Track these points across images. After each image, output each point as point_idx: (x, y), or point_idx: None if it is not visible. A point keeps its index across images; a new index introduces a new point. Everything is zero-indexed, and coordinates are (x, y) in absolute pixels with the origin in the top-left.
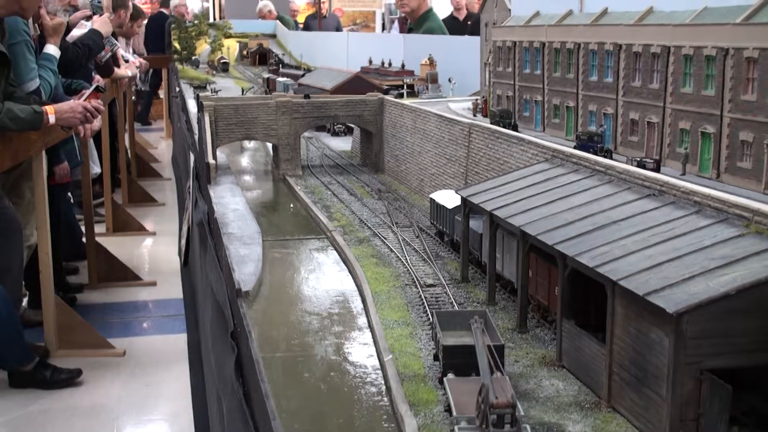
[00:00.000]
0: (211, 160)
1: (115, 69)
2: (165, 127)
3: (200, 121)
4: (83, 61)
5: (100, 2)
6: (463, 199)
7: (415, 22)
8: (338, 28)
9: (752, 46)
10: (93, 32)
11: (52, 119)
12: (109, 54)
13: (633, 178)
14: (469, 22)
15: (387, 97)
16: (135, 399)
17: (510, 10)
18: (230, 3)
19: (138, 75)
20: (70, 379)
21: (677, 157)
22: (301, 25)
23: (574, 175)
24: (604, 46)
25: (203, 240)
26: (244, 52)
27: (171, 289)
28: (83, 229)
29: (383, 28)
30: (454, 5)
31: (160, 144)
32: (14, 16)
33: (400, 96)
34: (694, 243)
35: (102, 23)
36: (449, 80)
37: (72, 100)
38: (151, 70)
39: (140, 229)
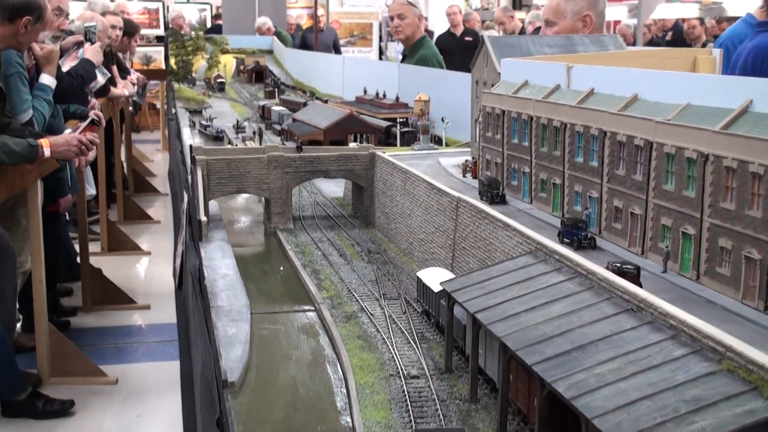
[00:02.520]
0: (202, 217)
1: (111, 89)
2: (162, 139)
3: (192, 174)
4: (76, 91)
5: (94, 30)
6: (447, 293)
7: (410, 48)
8: (336, 42)
9: (731, 156)
10: (85, 62)
11: (47, 152)
12: (100, 84)
13: (613, 289)
14: (466, 38)
15: (378, 152)
16: (126, 430)
17: (499, 73)
18: (228, 18)
19: (136, 89)
20: (62, 410)
21: (659, 251)
22: (298, 37)
23: (556, 275)
24: (590, 130)
25: (195, 296)
26: (241, 68)
27: (165, 313)
28: (77, 248)
29: (380, 40)
30: (450, 22)
31: (156, 156)
32: (10, 49)
33: (393, 137)
34: (668, 378)
35: (94, 52)
36: (442, 120)
37: (67, 133)
38: (146, 84)
39: (135, 249)
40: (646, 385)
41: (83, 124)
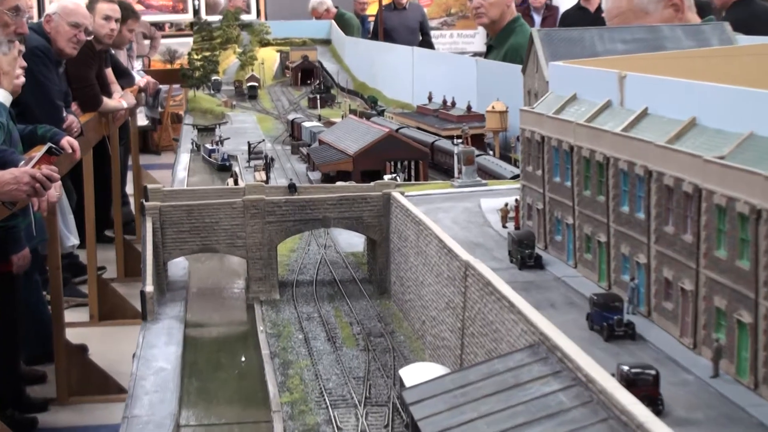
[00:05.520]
0: (148, 288)
1: (104, 100)
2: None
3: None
4: None
5: None
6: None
7: (496, 37)
8: (423, 24)
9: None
10: None
11: None
12: None
13: (612, 404)
14: (603, 15)
15: (394, 192)
16: None
17: (548, 82)
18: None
19: (144, 99)
20: None
21: (713, 345)
22: (371, 20)
23: (551, 383)
24: (635, 168)
25: None
26: (288, 64)
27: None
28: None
29: None
30: None
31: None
32: None
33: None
34: None
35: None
36: (517, 139)
37: (19, 167)
38: (159, 90)
39: (136, 316)
40: None
41: (37, 154)
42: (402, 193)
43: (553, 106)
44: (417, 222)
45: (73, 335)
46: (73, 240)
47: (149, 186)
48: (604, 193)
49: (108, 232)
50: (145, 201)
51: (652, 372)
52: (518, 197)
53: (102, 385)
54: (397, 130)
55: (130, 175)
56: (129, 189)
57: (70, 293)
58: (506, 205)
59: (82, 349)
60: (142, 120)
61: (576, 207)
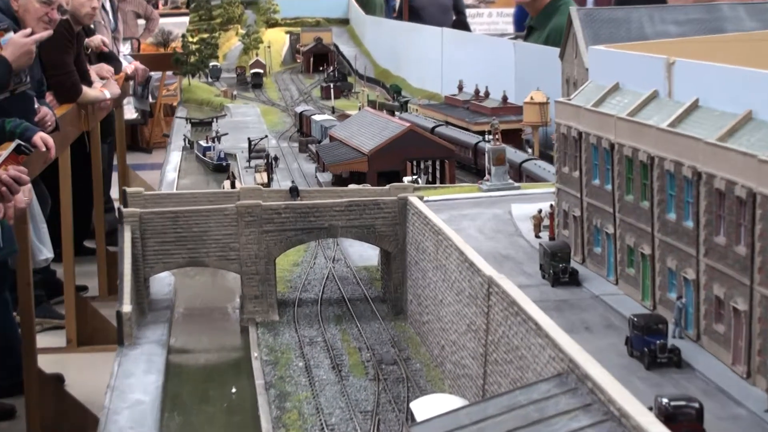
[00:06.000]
0: (126, 308)
1: (84, 89)
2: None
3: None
4: None
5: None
6: None
7: (537, 16)
8: (457, 2)
9: None
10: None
11: None
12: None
13: None
14: None
15: (412, 198)
16: None
17: (587, 70)
18: None
19: (132, 88)
20: None
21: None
22: None
23: (580, 417)
24: (682, 169)
25: None
26: (298, 48)
27: None
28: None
29: None
30: None
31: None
32: None
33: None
34: None
35: (16, 48)
36: None
37: None
38: (149, 78)
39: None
40: None
41: (4, 153)
42: (421, 198)
43: (592, 98)
44: (436, 231)
45: (47, 363)
46: (46, 253)
47: (128, 189)
48: (648, 198)
49: (89, 242)
50: (124, 207)
51: (695, 405)
52: (553, 203)
53: (80, 421)
54: (433, 129)
55: (115, 177)
56: (114, 193)
57: (44, 314)
58: (540, 211)
59: (58, 378)
60: (130, 113)
61: (617, 214)
